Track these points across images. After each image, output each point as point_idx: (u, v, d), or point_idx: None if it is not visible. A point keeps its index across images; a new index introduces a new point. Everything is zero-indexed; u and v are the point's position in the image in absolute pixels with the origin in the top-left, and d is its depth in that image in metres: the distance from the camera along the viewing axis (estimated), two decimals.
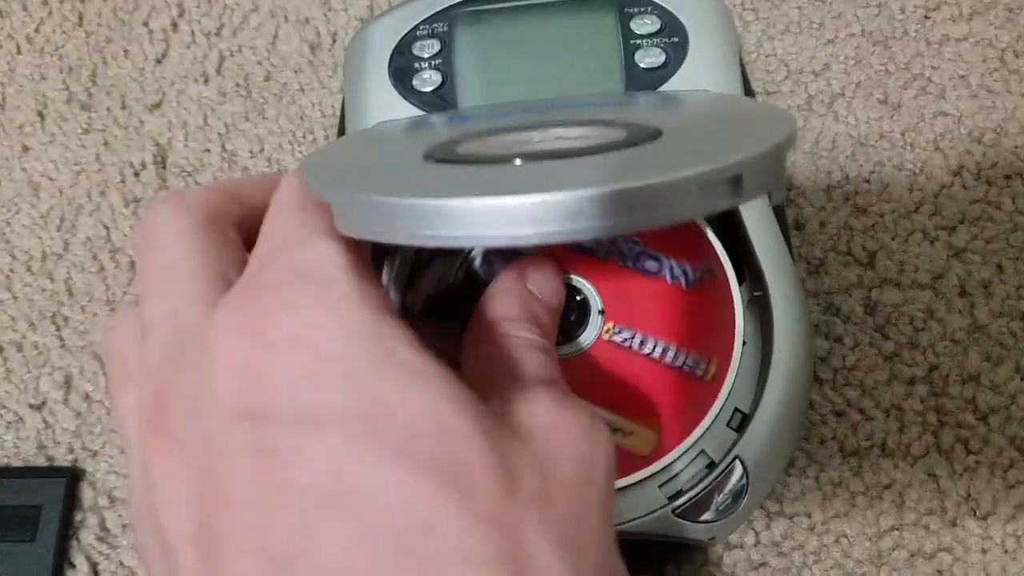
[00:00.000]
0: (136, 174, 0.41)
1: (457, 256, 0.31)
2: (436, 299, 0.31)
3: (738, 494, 0.29)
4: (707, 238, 0.31)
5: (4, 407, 0.37)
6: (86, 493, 0.36)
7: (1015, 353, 0.36)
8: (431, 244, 0.20)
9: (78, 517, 0.35)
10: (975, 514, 0.34)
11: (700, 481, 0.29)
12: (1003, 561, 0.33)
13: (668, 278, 0.31)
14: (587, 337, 0.30)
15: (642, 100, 0.32)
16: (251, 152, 0.42)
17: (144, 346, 0.21)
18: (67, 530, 0.35)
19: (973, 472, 0.34)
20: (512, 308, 0.26)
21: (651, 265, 0.31)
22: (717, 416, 0.29)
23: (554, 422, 0.21)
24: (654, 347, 0.30)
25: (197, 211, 0.23)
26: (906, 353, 0.36)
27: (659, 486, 0.29)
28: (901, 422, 0.35)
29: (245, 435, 0.18)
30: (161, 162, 0.42)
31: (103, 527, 0.35)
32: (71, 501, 0.35)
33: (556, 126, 0.26)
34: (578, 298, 0.31)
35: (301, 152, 0.41)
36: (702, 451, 0.30)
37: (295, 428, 0.18)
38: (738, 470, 0.29)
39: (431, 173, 0.23)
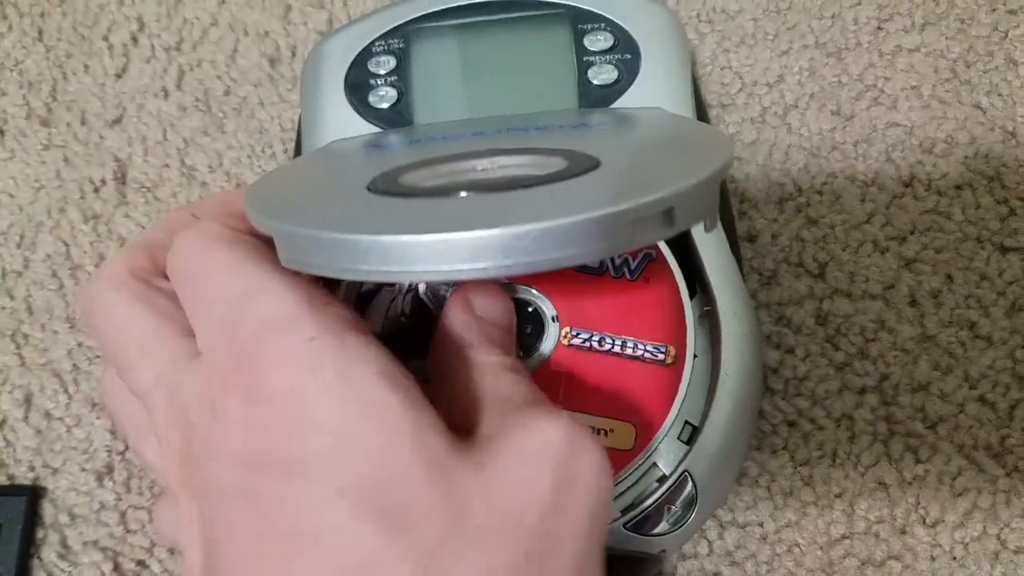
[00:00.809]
0: (96, 190, 0.41)
1: (397, 287, 0.32)
2: (389, 335, 0.31)
3: (687, 506, 0.29)
4: None
5: None
6: (47, 510, 0.36)
7: (963, 362, 0.36)
8: (369, 279, 0.20)
9: (39, 534, 0.36)
10: (924, 522, 0.34)
11: (651, 495, 0.29)
12: (951, 568, 0.34)
13: (612, 272, 0.31)
14: (547, 346, 0.31)
15: (592, 121, 0.33)
16: (210, 167, 0.42)
17: (149, 410, 0.23)
18: (28, 547, 0.35)
19: (922, 480, 0.35)
20: (467, 337, 0.26)
21: (593, 263, 0.31)
22: (677, 416, 0.30)
23: (527, 448, 0.21)
24: (613, 343, 0.30)
25: (131, 283, 0.25)
26: (857, 363, 0.36)
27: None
28: (852, 431, 0.35)
29: (239, 480, 0.20)
30: (121, 178, 0.42)
31: (64, 544, 0.35)
32: (32, 518, 0.35)
33: (500, 155, 0.27)
34: (530, 309, 0.31)
35: (260, 166, 0.42)
36: (653, 464, 0.30)
37: (279, 474, 0.20)
38: (688, 483, 0.29)
39: (371, 206, 0.23)
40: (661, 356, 0.30)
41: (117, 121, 0.43)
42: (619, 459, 0.29)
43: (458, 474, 0.20)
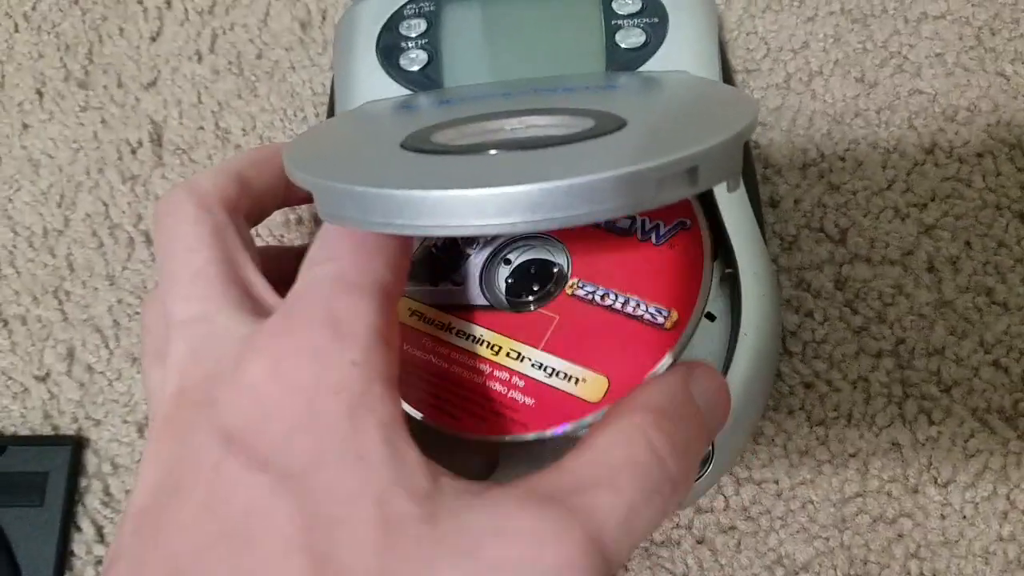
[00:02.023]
0: (133, 151, 0.42)
1: None
2: (420, 260, 0.32)
3: (703, 462, 0.30)
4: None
5: (10, 378, 0.39)
6: (90, 460, 0.37)
7: (979, 328, 0.37)
8: (401, 233, 0.21)
9: (83, 483, 0.37)
10: (936, 482, 0.35)
11: None
12: (961, 526, 0.35)
13: (639, 235, 0.32)
14: None
15: (619, 84, 0.33)
16: (243, 130, 0.43)
17: (171, 340, 0.23)
18: (73, 495, 0.37)
19: (935, 442, 0.36)
20: (659, 417, 0.23)
21: (623, 223, 0.32)
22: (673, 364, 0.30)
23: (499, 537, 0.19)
24: (615, 299, 0.30)
25: (214, 209, 0.25)
26: (874, 327, 0.37)
27: None
28: (867, 393, 0.36)
29: (215, 449, 0.20)
30: (157, 140, 0.43)
31: (107, 492, 0.37)
32: (76, 468, 0.37)
33: (529, 114, 0.27)
34: (555, 270, 0.32)
35: (292, 130, 0.43)
36: None
37: (250, 461, 0.20)
38: None
39: (405, 163, 0.24)
40: (661, 320, 0.30)
41: (152, 84, 0.44)
42: (581, 408, 0.28)
43: (410, 545, 0.19)
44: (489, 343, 0.30)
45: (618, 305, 0.30)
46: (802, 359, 0.37)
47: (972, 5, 0.42)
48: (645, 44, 0.36)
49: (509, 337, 0.30)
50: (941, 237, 0.38)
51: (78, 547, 0.36)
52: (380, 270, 0.23)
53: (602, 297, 0.30)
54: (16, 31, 0.45)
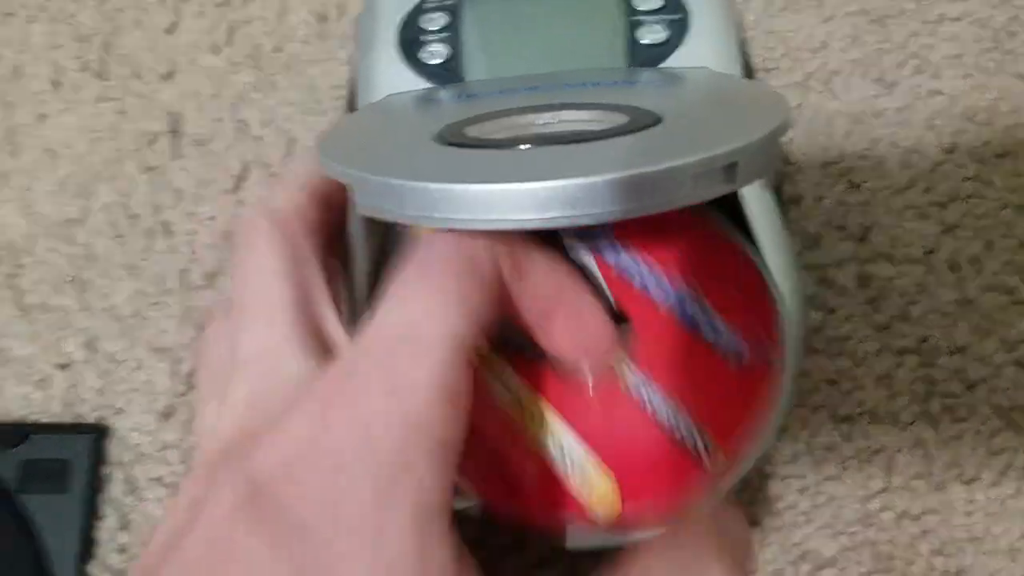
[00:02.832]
0: (151, 142, 0.42)
1: None
2: None
3: None
4: None
5: (31, 366, 0.39)
6: (113, 449, 0.37)
7: (1001, 326, 0.37)
8: (439, 226, 0.21)
9: (106, 471, 0.37)
10: (960, 479, 0.35)
11: None
12: (986, 523, 0.35)
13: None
14: None
15: (644, 79, 0.33)
16: (262, 122, 0.43)
17: (233, 380, 0.22)
18: (95, 484, 0.36)
19: (959, 439, 0.36)
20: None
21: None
22: None
23: None
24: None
25: (293, 235, 0.24)
26: (897, 325, 0.37)
27: None
28: (891, 391, 0.36)
29: (234, 497, 0.19)
30: (175, 131, 0.43)
31: (130, 480, 0.37)
32: (98, 456, 0.37)
33: (563, 109, 0.27)
34: None
35: (311, 122, 0.42)
36: None
37: (263, 518, 0.19)
38: None
39: (441, 156, 0.24)
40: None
41: (170, 75, 0.44)
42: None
43: None
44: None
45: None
46: (826, 356, 0.37)
47: (991, 7, 0.43)
48: (667, 41, 0.36)
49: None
50: (962, 236, 0.38)
51: (102, 534, 0.36)
52: (456, 320, 0.20)
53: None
54: (33, 21, 0.45)
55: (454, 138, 0.25)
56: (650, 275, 0.26)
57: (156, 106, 0.43)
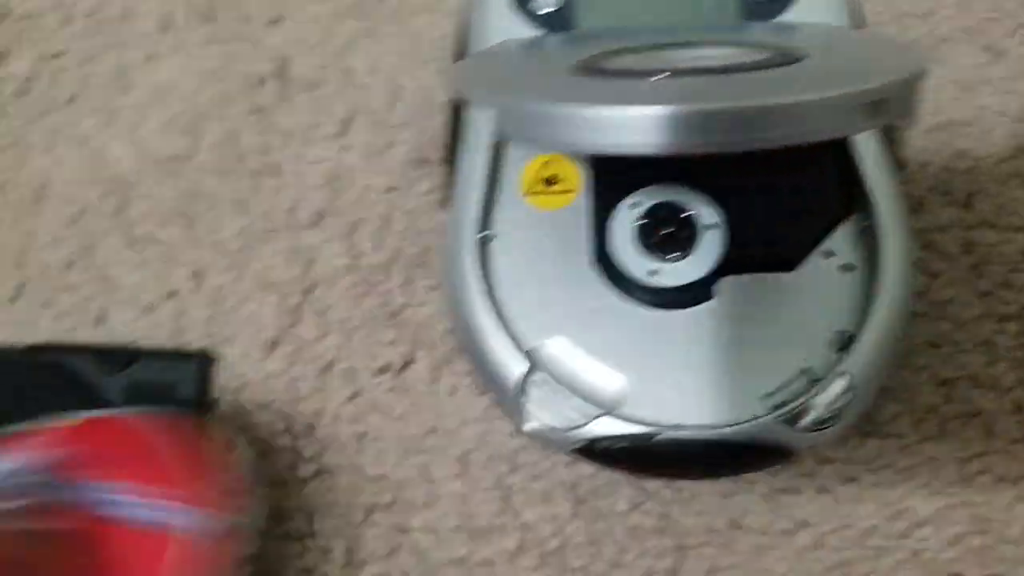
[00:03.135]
0: (259, 85, 0.43)
1: None
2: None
3: (842, 407, 0.30)
4: None
5: (139, 295, 0.40)
6: (219, 376, 0.38)
7: None
8: (580, 151, 0.22)
9: (211, 397, 0.38)
10: None
11: (805, 393, 0.31)
12: None
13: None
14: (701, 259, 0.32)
15: (766, 29, 0.34)
16: (368, 70, 0.43)
17: None
18: (202, 407, 0.37)
19: None
20: None
21: None
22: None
23: None
24: None
25: None
26: (1000, 292, 0.37)
27: (762, 398, 0.31)
28: (992, 356, 0.36)
29: None
30: (282, 75, 0.43)
31: (235, 406, 0.38)
32: (204, 382, 0.38)
33: (703, 46, 0.28)
34: (683, 215, 0.32)
35: (415, 72, 0.43)
36: (806, 368, 0.31)
37: None
38: (843, 383, 0.30)
39: (583, 83, 0.24)
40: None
41: (277, 21, 0.45)
42: None
43: None
44: None
45: None
46: (928, 319, 0.37)
47: None
48: None
49: None
50: None
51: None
52: None
53: None
54: None
55: (596, 68, 0.25)
56: None
57: (264, 50, 0.44)
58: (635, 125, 0.21)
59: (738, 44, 0.27)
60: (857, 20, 0.35)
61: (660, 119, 0.20)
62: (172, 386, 0.37)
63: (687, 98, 0.21)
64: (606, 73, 0.25)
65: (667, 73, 0.24)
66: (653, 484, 0.36)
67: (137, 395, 0.37)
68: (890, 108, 0.22)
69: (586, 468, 0.36)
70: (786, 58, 0.24)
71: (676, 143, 0.21)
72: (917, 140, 0.40)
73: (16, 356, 0.38)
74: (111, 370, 0.38)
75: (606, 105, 0.21)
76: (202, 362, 0.37)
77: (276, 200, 0.41)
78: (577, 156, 0.34)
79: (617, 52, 0.28)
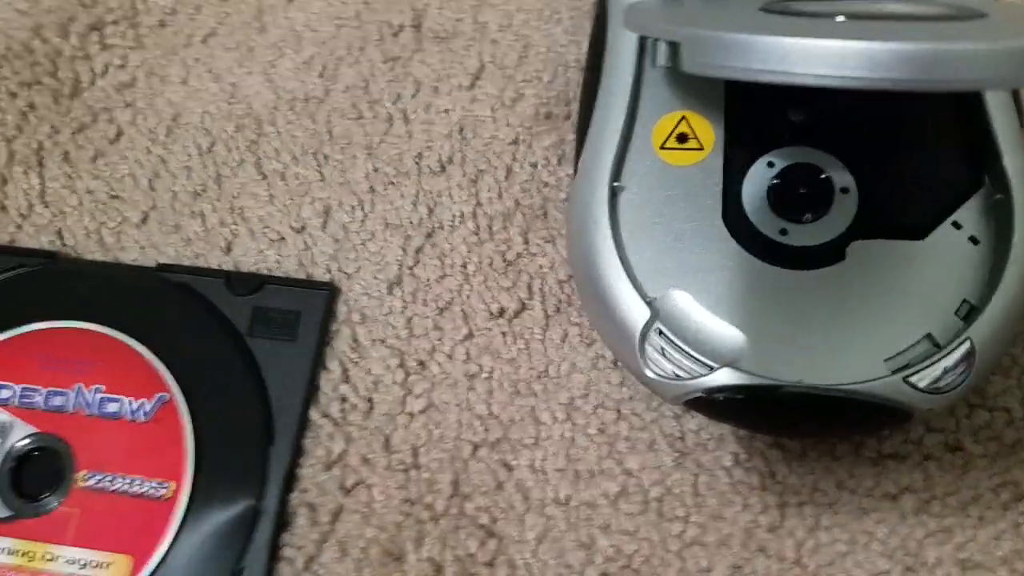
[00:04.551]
0: (394, 34, 0.45)
1: None
2: None
3: (962, 372, 0.31)
4: (156, 372, 0.37)
5: (267, 226, 0.42)
6: (341, 309, 0.40)
7: None
8: (764, 79, 0.23)
9: (333, 328, 0.40)
10: None
11: (928, 358, 0.31)
12: None
13: (128, 416, 0.36)
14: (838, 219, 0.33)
15: None
16: (500, 26, 0.45)
17: None
18: (324, 337, 0.39)
19: None
20: None
21: (111, 407, 0.36)
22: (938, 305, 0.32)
23: None
24: (123, 482, 0.35)
25: None
26: None
27: (885, 360, 0.32)
28: None
29: None
30: (417, 25, 0.45)
31: (355, 339, 0.39)
32: (328, 312, 0.39)
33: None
34: (822, 176, 0.33)
35: (547, 29, 0.44)
36: (928, 334, 0.32)
37: None
38: (965, 350, 0.31)
39: (771, 20, 0.25)
40: (162, 493, 0.35)
41: None
42: None
43: None
44: (22, 552, 0.35)
45: (125, 487, 0.35)
46: None
47: None
48: None
49: (40, 541, 0.35)
50: None
51: (325, 384, 0.39)
52: None
53: (111, 482, 0.35)
54: None
55: (788, 9, 0.26)
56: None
57: (401, 1, 0.45)
58: (840, 58, 0.22)
59: (917, 1, 0.28)
60: None
61: (866, 53, 0.21)
62: (297, 313, 0.39)
63: (888, 37, 0.22)
64: (798, 13, 0.26)
65: (859, 16, 0.25)
66: (759, 442, 0.37)
67: (262, 318, 0.39)
68: None
69: (692, 422, 0.37)
70: (968, 14, 0.25)
71: (869, 79, 0.21)
72: None
73: (148, 275, 0.40)
74: (237, 293, 0.39)
75: (806, 37, 0.22)
76: (326, 292, 0.39)
77: (406, 145, 0.42)
78: (711, 114, 0.35)
79: None
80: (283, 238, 0.41)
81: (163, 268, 0.41)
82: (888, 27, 0.24)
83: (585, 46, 0.41)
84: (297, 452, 0.37)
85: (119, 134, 0.44)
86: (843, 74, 0.21)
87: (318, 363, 0.39)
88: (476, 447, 0.38)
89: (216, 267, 0.41)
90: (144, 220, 0.42)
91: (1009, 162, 0.33)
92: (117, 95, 0.45)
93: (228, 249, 0.41)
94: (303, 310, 0.39)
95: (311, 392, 0.38)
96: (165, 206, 0.43)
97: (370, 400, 0.38)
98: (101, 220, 0.42)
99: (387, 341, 0.39)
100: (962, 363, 0.31)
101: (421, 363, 0.39)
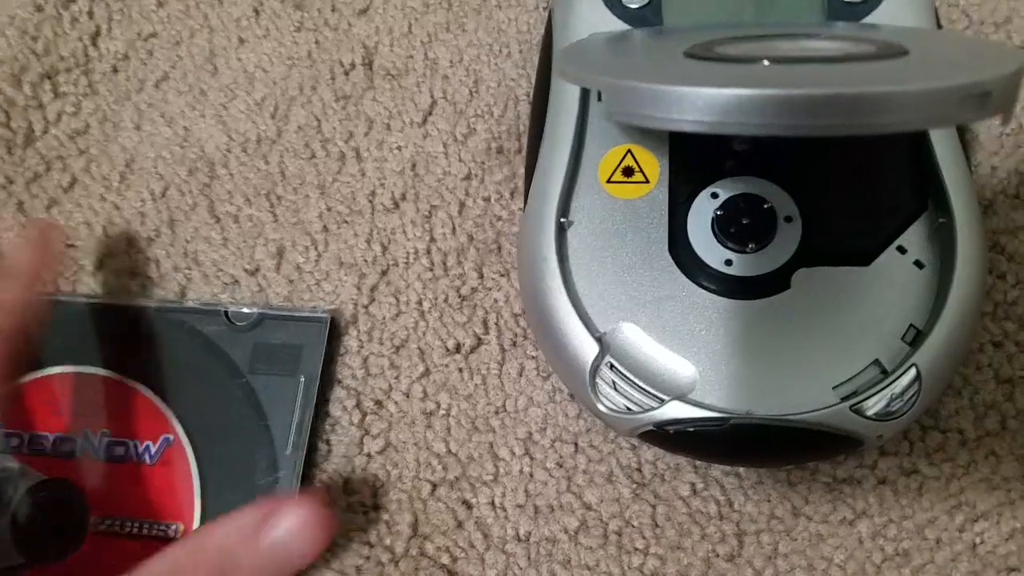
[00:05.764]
0: (345, 73, 0.45)
1: None
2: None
3: (911, 399, 0.31)
4: (161, 413, 0.37)
5: (221, 270, 0.41)
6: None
7: None
8: (680, 128, 0.23)
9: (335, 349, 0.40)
10: None
11: (876, 384, 0.31)
12: None
13: (135, 459, 0.37)
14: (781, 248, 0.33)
15: (857, 28, 0.34)
16: (451, 62, 0.45)
17: None
18: (327, 367, 0.39)
19: None
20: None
21: (119, 451, 0.37)
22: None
23: None
24: (133, 525, 0.36)
25: None
26: None
27: (833, 387, 0.32)
28: None
29: None
30: (368, 64, 0.45)
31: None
32: (330, 342, 0.39)
33: (807, 38, 0.29)
34: (765, 207, 0.33)
35: (497, 64, 0.44)
36: (876, 360, 0.32)
37: None
38: (912, 375, 0.31)
39: (692, 67, 0.26)
40: (173, 534, 0.36)
41: (365, 11, 0.46)
42: None
43: None
44: None
45: (135, 530, 0.36)
46: (993, 319, 0.38)
47: None
48: (865, 0, 0.36)
49: None
50: None
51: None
52: None
53: (121, 526, 0.36)
54: None
55: (707, 54, 0.26)
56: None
57: (351, 39, 0.45)
58: (757, 107, 0.22)
59: (840, 38, 0.28)
60: (934, 25, 0.36)
61: (782, 101, 0.21)
62: (297, 347, 0.39)
63: (806, 83, 0.22)
64: (722, 59, 0.26)
65: (781, 59, 0.25)
66: (715, 471, 0.37)
67: (264, 355, 0.39)
68: (993, 102, 0.22)
69: (648, 452, 0.37)
70: (890, 52, 0.25)
71: (791, 125, 0.21)
72: (989, 145, 0.40)
73: (147, 313, 0.40)
74: (238, 330, 0.39)
75: (729, 88, 0.22)
76: (325, 321, 0.39)
77: (358, 184, 0.42)
78: (656, 147, 0.35)
79: (725, 41, 0.28)
80: (236, 281, 0.41)
81: (163, 307, 0.40)
82: (808, 71, 0.24)
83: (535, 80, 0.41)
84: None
85: (73, 182, 0.44)
86: (763, 122, 0.21)
87: (321, 395, 0.39)
88: (435, 486, 0.38)
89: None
90: (100, 267, 0.42)
91: (951, 185, 0.33)
92: (70, 142, 0.45)
93: (182, 293, 0.41)
94: (304, 343, 0.39)
95: (317, 423, 0.39)
96: (120, 252, 0.42)
97: (328, 442, 0.38)
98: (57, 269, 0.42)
99: (344, 382, 0.39)
100: (910, 388, 0.31)
101: (378, 403, 0.39)
